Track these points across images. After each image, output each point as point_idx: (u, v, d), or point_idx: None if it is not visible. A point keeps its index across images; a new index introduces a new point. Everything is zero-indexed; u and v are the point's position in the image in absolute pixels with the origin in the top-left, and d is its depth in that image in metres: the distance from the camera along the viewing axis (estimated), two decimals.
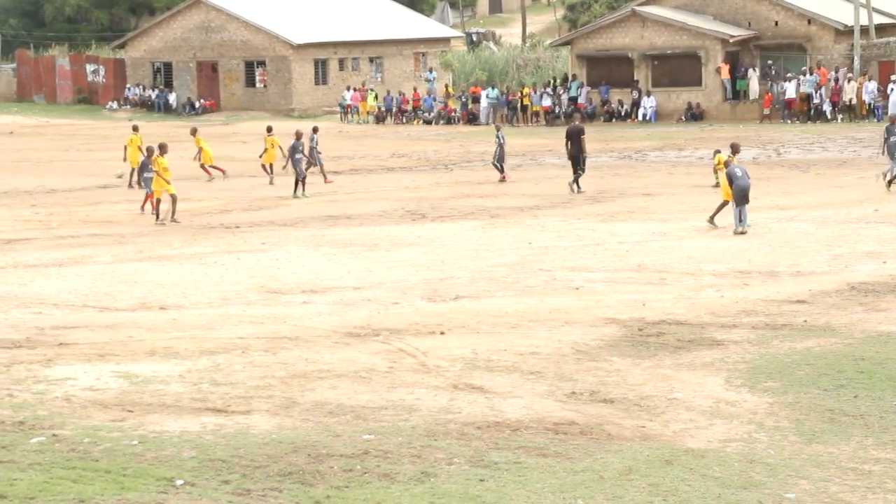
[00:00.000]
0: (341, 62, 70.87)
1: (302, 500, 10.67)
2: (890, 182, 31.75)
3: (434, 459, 11.63)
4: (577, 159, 34.31)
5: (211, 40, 70.96)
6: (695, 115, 57.44)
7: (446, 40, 77.64)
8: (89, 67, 76.31)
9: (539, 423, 12.74)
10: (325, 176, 38.39)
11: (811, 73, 55.27)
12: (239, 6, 70.68)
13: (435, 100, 65.17)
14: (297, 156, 35.10)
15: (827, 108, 55.03)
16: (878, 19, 59.26)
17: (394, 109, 65.01)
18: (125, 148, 38.70)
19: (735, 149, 28.12)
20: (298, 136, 35.90)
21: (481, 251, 24.27)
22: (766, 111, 55.66)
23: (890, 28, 60.12)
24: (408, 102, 65.25)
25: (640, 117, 58.48)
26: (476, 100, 63.27)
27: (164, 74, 73.09)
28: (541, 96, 61.03)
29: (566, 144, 34.92)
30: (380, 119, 64.66)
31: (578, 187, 34.12)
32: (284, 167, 36.17)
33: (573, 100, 60.22)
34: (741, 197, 25.59)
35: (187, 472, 11.33)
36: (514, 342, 16.33)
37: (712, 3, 58.80)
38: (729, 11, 58.43)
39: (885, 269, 21.33)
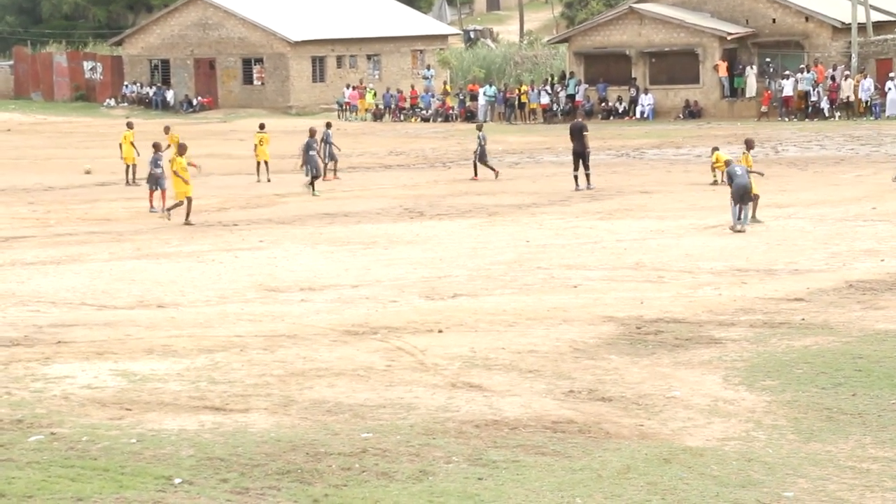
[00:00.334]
0: (339, 59, 70.87)
1: (300, 498, 10.67)
2: None
3: (432, 458, 11.63)
4: (580, 155, 34.37)
5: (208, 37, 70.94)
6: (692, 112, 57.47)
7: (444, 38, 77.65)
8: (87, 65, 76.27)
9: (537, 422, 12.74)
10: (335, 172, 38.22)
11: (809, 71, 55.29)
12: (236, 3, 70.67)
13: (433, 97, 65.15)
14: (312, 153, 34.93)
15: (824, 105, 55.06)
16: (876, 17, 59.31)
17: (392, 107, 65.00)
18: (120, 145, 38.64)
19: (749, 144, 27.88)
20: (312, 133, 35.71)
21: (479, 249, 24.27)
22: (765, 109, 55.67)
23: (887, 25, 60.16)
24: (405, 100, 65.24)
25: (637, 115, 58.51)
26: (474, 97, 63.27)
27: (162, 72, 73.08)
28: (539, 94, 61.03)
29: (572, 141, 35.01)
30: (377, 116, 64.65)
31: (588, 183, 34.20)
32: (302, 166, 35.96)
33: (571, 97, 60.23)
34: (739, 195, 25.59)
35: (185, 470, 11.33)
36: (512, 340, 16.33)
37: (710, 0, 58.81)
38: (726, 9, 58.45)
39: (882, 266, 21.34)
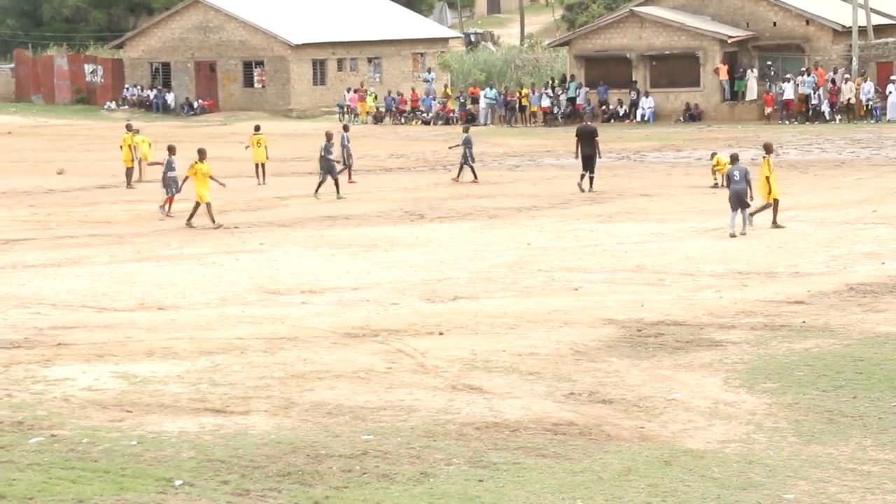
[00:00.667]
0: (340, 62, 70.87)
1: (301, 500, 10.67)
2: None
3: (433, 460, 11.64)
4: (590, 159, 34.46)
5: (209, 40, 70.95)
6: (693, 115, 57.46)
7: (444, 41, 77.65)
8: (87, 68, 76.27)
9: (538, 424, 12.74)
10: (349, 176, 38.08)
11: (809, 74, 55.30)
12: (237, 6, 70.66)
13: (434, 100, 65.16)
14: (328, 156, 34.75)
15: (825, 108, 55.07)
16: (877, 20, 59.31)
17: (392, 110, 65.02)
18: (121, 148, 38.64)
19: (768, 148, 27.59)
20: (329, 136, 35.55)
21: (480, 252, 24.28)
22: (770, 110, 55.62)
23: (888, 29, 60.15)
24: (406, 103, 65.25)
25: (638, 118, 58.49)
26: (475, 100, 63.28)
27: (163, 74, 73.07)
28: (539, 97, 61.04)
29: (577, 144, 35.01)
30: (378, 119, 64.65)
31: (591, 187, 34.25)
32: (331, 168, 35.82)
33: (571, 100, 60.24)
34: (735, 201, 25.57)
35: (186, 472, 11.33)
36: (512, 343, 16.33)
37: (710, 3, 58.82)
38: (727, 12, 58.46)
39: (883, 269, 21.34)
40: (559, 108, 60.57)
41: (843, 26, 56.38)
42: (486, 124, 61.41)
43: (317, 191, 34.50)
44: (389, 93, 66.86)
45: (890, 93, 53.76)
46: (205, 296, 20.23)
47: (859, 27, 56.20)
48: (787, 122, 54.85)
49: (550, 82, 62.68)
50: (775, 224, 26.34)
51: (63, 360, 15.70)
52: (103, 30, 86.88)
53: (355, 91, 66.47)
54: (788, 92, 55.27)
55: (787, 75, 55.69)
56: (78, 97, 75.95)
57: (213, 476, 11.23)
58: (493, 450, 11.93)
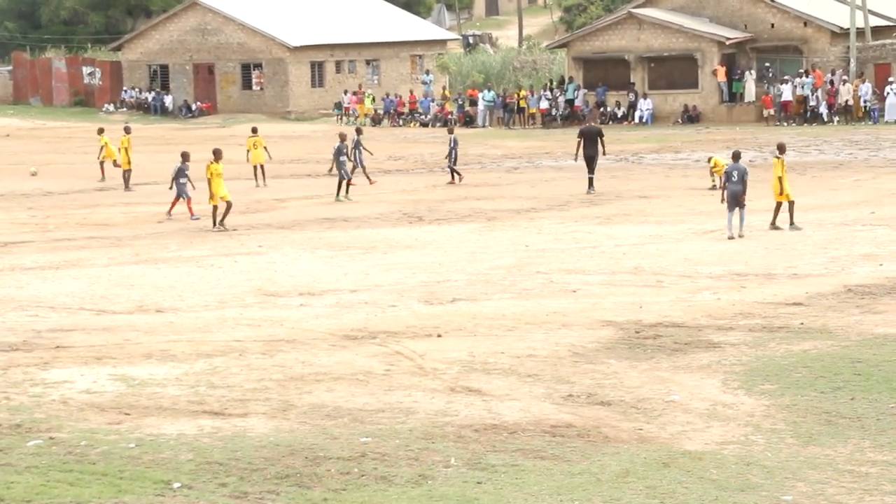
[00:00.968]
0: (338, 64, 70.87)
1: (299, 502, 10.67)
2: None
3: (431, 462, 11.64)
4: (592, 160, 34.53)
5: (207, 43, 70.95)
6: (691, 117, 57.49)
7: (443, 42, 77.67)
8: (86, 70, 76.28)
9: (536, 426, 12.75)
10: (368, 178, 37.84)
11: (807, 76, 55.33)
12: (235, 8, 70.67)
13: (432, 102, 65.17)
14: (342, 158, 34.64)
15: (823, 110, 55.10)
16: (874, 21, 59.34)
17: (391, 112, 65.03)
18: (118, 150, 38.63)
19: (781, 149, 27.47)
20: (343, 138, 35.44)
21: (478, 254, 24.28)
22: (771, 112, 55.62)
23: (886, 30, 60.19)
24: (404, 105, 65.26)
25: (636, 120, 58.52)
26: (473, 102, 63.29)
27: (161, 77, 73.08)
28: (538, 99, 61.06)
29: (579, 144, 35.01)
30: (376, 121, 64.66)
31: (591, 187, 34.31)
32: (330, 170, 35.64)
33: (570, 102, 60.26)
34: (731, 201, 25.56)
35: (184, 474, 11.33)
36: (511, 345, 16.33)
37: (708, 5, 58.86)
38: (725, 13, 58.49)
39: (881, 271, 21.35)
40: (557, 109, 60.59)
41: (842, 28, 56.41)
42: (484, 126, 61.45)
43: (347, 193, 34.08)
44: (388, 95, 66.87)
45: (888, 94, 53.78)
46: (203, 298, 20.23)
47: (857, 29, 56.24)
48: (785, 124, 54.89)
49: (549, 84, 62.71)
50: (793, 225, 26.21)
51: (61, 362, 15.69)
52: (101, 32, 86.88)
53: (354, 93, 66.47)
54: (786, 93, 55.30)
55: (786, 77, 55.72)
56: (76, 99, 75.95)
57: (212, 478, 11.23)
58: (491, 452, 11.93)
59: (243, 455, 11.86)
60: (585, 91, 60.12)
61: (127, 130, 39.13)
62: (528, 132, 58.68)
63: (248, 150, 39.48)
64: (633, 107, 58.95)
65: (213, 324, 18.04)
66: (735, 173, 25.82)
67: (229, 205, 28.69)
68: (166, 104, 71.88)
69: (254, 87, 70.03)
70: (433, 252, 24.71)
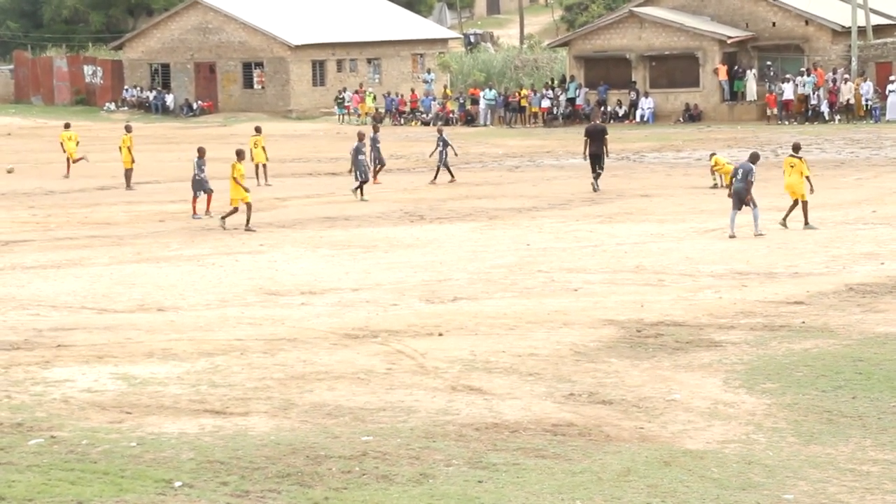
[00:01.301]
0: (339, 63, 70.87)
1: (300, 501, 10.67)
2: None
3: (432, 461, 11.64)
4: (597, 158, 34.57)
5: (208, 41, 70.96)
6: (692, 116, 57.48)
7: (444, 41, 77.66)
8: (87, 69, 76.29)
9: (537, 425, 12.75)
10: (374, 176, 37.64)
11: (808, 74, 55.31)
12: (236, 7, 70.67)
13: (433, 101, 65.17)
14: (361, 157, 34.31)
15: (824, 109, 55.08)
16: (876, 20, 59.33)
17: (392, 111, 65.04)
18: (120, 149, 38.60)
19: (797, 148, 27.38)
20: (361, 137, 35.03)
21: (479, 253, 24.28)
22: (774, 111, 55.59)
23: (887, 29, 60.18)
24: (405, 104, 65.26)
25: (637, 118, 58.51)
26: (475, 101, 63.30)
27: (162, 76, 73.09)
28: (539, 98, 61.05)
29: (586, 143, 35.05)
30: (378, 120, 64.65)
31: (596, 184, 34.34)
32: (351, 171, 35.48)
33: (571, 101, 60.26)
34: (735, 200, 25.56)
35: (186, 473, 11.33)
36: (512, 343, 16.33)
37: (710, 3, 58.85)
38: (726, 12, 58.47)
39: (882, 270, 21.35)
40: (559, 108, 60.59)
41: (843, 26, 56.40)
42: (485, 125, 61.44)
43: (362, 193, 33.80)
44: (389, 93, 66.87)
45: (889, 93, 53.76)
46: (204, 297, 20.23)
47: (858, 27, 56.22)
48: (786, 123, 54.87)
49: (550, 83, 62.70)
50: (807, 224, 26.17)
51: (63, 361, 15.70)
52: (102, 31, 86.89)
53: (355, 92, 66.48)
54: (788, 92, 55.29)
55: (787, 75, 55.70)
56: (77, 98, 75.97)
57: (213, 477, 11.23)
58: (492, 450, 11.93)
59: (244, 454, 11.87)
60: (587, 90, 60.11)
61: (128, 129, 39.08)
62: (529, 131, 58.67)
63: (250, 149, 39.48)
64: (634, 105, 58.94)
65: (215, 322, 18.04)
66: (740, 171, 25.80)
67: (249, 206, 28.40)
68: (167, 103, 71.89)
69: (255, 86, 70.04)
70: (434, 251, 24.71)
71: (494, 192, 35.33)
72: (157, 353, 16.11)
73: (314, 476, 11.25)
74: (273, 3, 72.46)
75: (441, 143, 38.04)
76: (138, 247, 26.11)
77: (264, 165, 38.82)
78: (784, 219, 26.33)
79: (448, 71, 72.86)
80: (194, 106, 70.92)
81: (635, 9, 59.42)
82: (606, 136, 35.01)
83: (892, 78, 54.10)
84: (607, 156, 35.40)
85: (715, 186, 34.40)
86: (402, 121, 64.40)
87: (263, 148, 39.12)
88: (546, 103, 60.74)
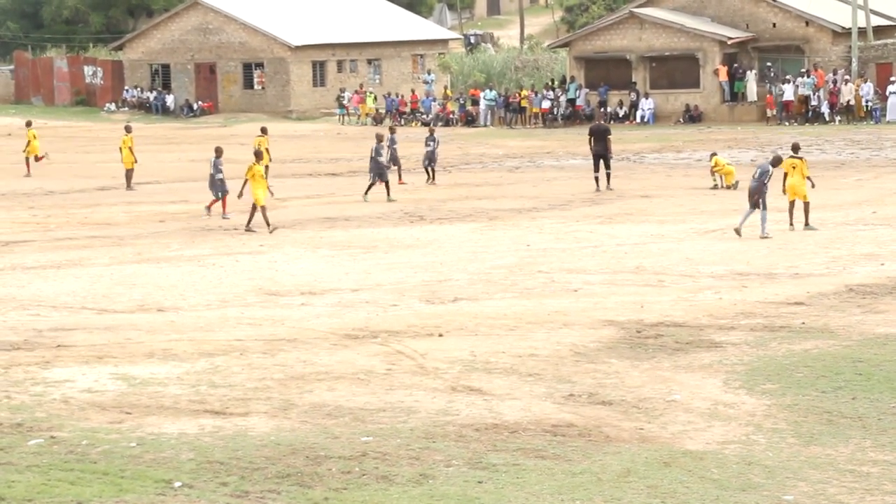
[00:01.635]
0: (339, 64, 70.87)
1: (300, 501, 10.67)
2: None
3: (432, 461, 11.64)
4: (602, 157, 34.66)
5: (209, 42, 70.96)
6: (693, 116, 57.47)
7: (444, 42, 77.66)
8: (87, 69, 76.28)
9: (537, 425, 12.75)
10: (399, 177, 37.37)
11: (809, 75, 55.31)
12: (237, 8, 70.68)
13: (434, 101, 65.17)
14: (380, 159, 34.01)
15: (825, 109, 55.07)
16: (876, 21, 59.31)
17: (393, 111, 65.05)
18: (120, 150, 38.58)
19: (797, 148, 27.39)
20: (380, 138, 34.77)
21: (479, 253, 24.28)
22: (773, 112, 55.58)
23: (888, 30, 60.16)
24: (406, 104, 65.27)
25: (638, 119, 58.50)
26: (475, 102, 63.30)
27: (162, 76, 73.09)
28: (540, 99, 61.04)
29: (589, 142, 35.16)
30: (378, 121, 64.67)
31: (608, 184, 34.39)
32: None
33: (571, 102, 60.25)
34: (749, 199, 25.54)
35: (185, 473, 11.33)
36: (512, 344, 16.33)
37: (710, 4, 58.83)
38: (727, 13, 58.46)
39: (882, 270, 21.35)
40: (559, 109, 60.58)
41: (843, 28, 56.39)
42: (486, 126, 61.43)
43: (366, 193, 33.80)
44: (389, 94, 66.88)
45: (889, 94, 53.76)
46: (205, 297, 20.23)
47: (859, 28, 56.21)
48: (786, 124, 54.86)
49: (550, 84, 62.70)
50: (808, 226, 26.17)
51: (62, 361, 15.70)
52: (103, 32, 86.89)
53: (356, 92, 66.49)
54: (788, 93, 55.28)
55: (787, 76, 55.69)
56: (77, 99, 75.95)
57: (213, 478, 11.23)
58: (492, 451, 11.93)
59: (244, 454, 11.86)
60: (587, 91, 60.11)
61: (128, 130, 39.06)
62: (529, 132, 58.67)
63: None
64: (634, 106, 58.93)
65: (215, 323, 18.04)
66: (757, 171, 25.74)
67: (262, 209, 28.20)
68: (168, 104, 71.88)
69: (255, 87, 70.03)
70: (434, 251, 24.71)
71: (494, 192, 35.33)
72: (157, 353, 16.11)
73: (314, 476, 11.25)
74: (273, 3, 72.46)
75: (433, 143, 37.84)
76: (139, 247, 26.11)
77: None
78: (792, 222, 26.29)
79: (448, 72, 72.86)
80: (195, 106, 70.92)
81: (636, 10, 59.42)
82: (610, 136, 35.08)
83: (892, 79, 54.09)
84: (611, 155, 35.47)
85: (715, 187, 34.42)
86: (403, 121, 64.37)
87: (266, 149, 39.09)
88: (546, 104, 60.73)
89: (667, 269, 21.99)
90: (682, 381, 14.46)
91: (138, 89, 73.56)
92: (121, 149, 38.35)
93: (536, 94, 61.63)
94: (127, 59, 74.25)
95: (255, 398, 13.90)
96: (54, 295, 20.53)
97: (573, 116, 59.91)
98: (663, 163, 42.82)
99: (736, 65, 57.67)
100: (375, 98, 66.28)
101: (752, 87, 57.19)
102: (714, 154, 35.93)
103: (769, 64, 57.76)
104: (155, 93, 72.65)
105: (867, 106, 54.48)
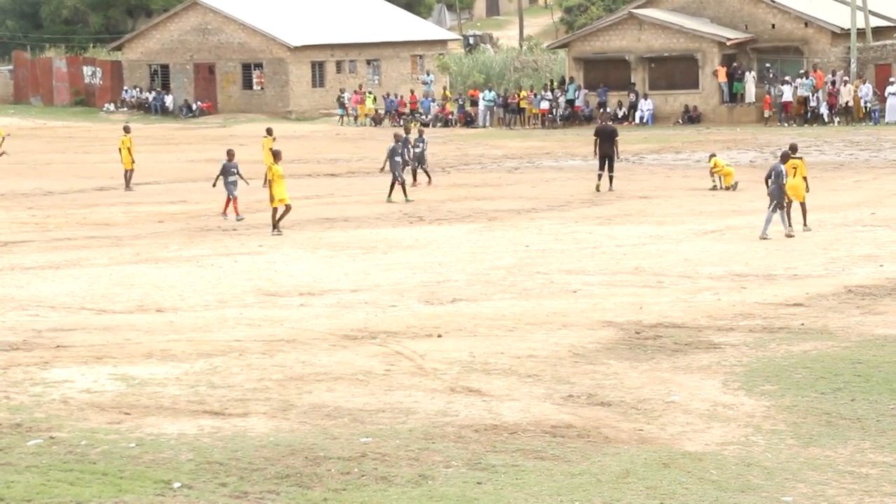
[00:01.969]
0: (338, 64, 70.87)
1: (299, 502, 10.67)
2: None
3: (431, 462, 11.64)
4: (608, 158, 34.70)
5: (208, 42, 70.96)
6: (692, 117, 57.48)
7: (443, 43, 77.66)
8: (86, 70, 76.26)
9: (536, 426, 12.75)
10: (415, 178, 36.96)
11: (808, 77, 55.32)
12: (236, 8, 70.68)
13: (433, 102, 65.17)
14: (396, 158, 33.76)
15: (824, 111, 55.09)
16: (875, 22, 59.32)
17: (392, 112, 65.05)
18: (119, 150, 38.57)
19: (795, 149, 27.37)
20: (398, 138, 34.57)
21: (478, 254, 24.28)
22: (769, 113, 55.61)
23: (887, 31, 60.17)
24: (405, 105, 65.27)
25: (637, 120, 58.51)
26: (474, 102, 63.30)
27: (161, 77, 73.08)
28: (539, 100, 61.04)
29: (595, 143, 35.17)
30: (377, 121, 64.68)
31: (611, 186, 34.41)
32: (382, 169, 35.13)
33: (570, 102, 60.26)
34: (771, 202, 25.43)
35: (184, 474, 11.33)
36: (511, 345, 16.33)
37: (709, 5, 58.84)
38: (726, 14, 58.48)
39: (881, 272, 21.35)
40: (558, 110, 60.59)
41: (842, 29, 56.39)
42: (485, 126, 61.43)
43: (389, 195, 33.61)
44: (388, 94, 66.89)
45: (888, 95, 53.77)
46: (203, 298, 20.23)
47: (858, 29, 56.22)
48: (785, 125, 54.87)
49: (549, 84, 62.71)
50: (805, 226, 26.16)
51: (61, 362, 15.70)
52: (102, 32, 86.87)
53: (355, 92, 66.50)
54: (787, 94, 55.30)
55: (786, 77, 55.70)
56: (76, 99, 75.94)
57: (212, 478, 11.23)
58: (491, 452, 11.93)
59: (243, 455, 11.87)
60: (586, 91, 60.12)
61: (126, 130, 39.03)
62: (528, 132, 58.67)
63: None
64: (633, 107, 58.93)
65: (214, 323, 18.04)
66: (773, 174, 25.68)
67: (288, 208, 27.90)
68: (167, 104, 71.88)
69: (254, 87, 70.03)
70: (433, 252, 24.72)
71: (493, 193, 35.33)
72: (155, 353, 16.11)
73: (313, 477, 11.25)
74: (272, 4, 72.45)
75: (422, 143, 37.61)
76: (137, 247, 26.10)
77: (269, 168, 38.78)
78: (790, 224, 26.25)
79: (447, 72, 72.87)
80: (193, 107, 70.91)
81: (635, 10, 59.42)
82: (617, 138, 35.15)
83: (891, 80, 54.10)
84: (618, 157, 35.56)
85: (714, 188, 34.43)
86: (402, 122, 64.36)
87: (270, 150, 39.09)
88: (545, 105, 60.73)
89: (666, 270, 22.00)
90: (681, 383, 14.46)
91: (137, 89, 73.55)
92: (120, 149, 38.35)
93: (535, 94, 61.63)
94: (126, 60, 74.24)
95: (254, 399, 13.90)
96: (53, 295, 20.53)
97: (572, 117, 59.91)
98: (662, 164, 42.82)
99: (735, 65, 57.68)
100: (375, 99, 66.29)
101: (750, 88, 57.20)
102: (713, 155, 35.95)
103: (768, 65, 57.76)
104: (154, 93, 72.64)
105: (866, 107, 54.48)
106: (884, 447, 12.04)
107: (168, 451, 12.01)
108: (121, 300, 20.11)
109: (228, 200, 30.79)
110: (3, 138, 42.58)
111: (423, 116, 63.93)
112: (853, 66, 55.74)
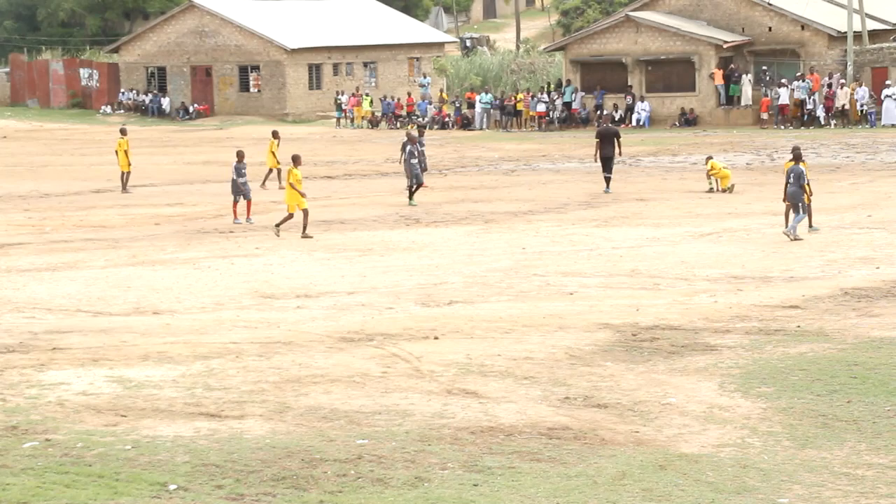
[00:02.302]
0: (335, 67, 70.90)
1: None
2: None
3: (428, 464, 11.64)
4: (608, 160, 34.78)
5: (205, 45, 70.96)
6: (688, 120, 57.52)
7: (440, 45, 77.69)
8: (83, 72, 76.25)
9: (533, 428, 12.75)
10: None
11: (804, 79, 55.37)
12: (233, 11, 70.69)
13: (429, 105, 65.19)
14: (413, 160, 33.50)
15: (820, 113, 55.14)
16: (872, 25, 59.38)
17: (389, 114, 65.08)
18: (116, 153, 38.56)
19: (798, 152, 27.33)
20: (413, 140, 34.03)
21: (475, 256, 24.29)
22: (765, 115, 55.67)
23: (883, 34, 60.24)
24: (402, 107, 65.29)
25: (633, 122, 58.56)
26: (471, 105, 63.33)
27: (158, 79, 73.09)
28: (536, 102, 61.07)
29: (597, 145, 35.22)
30: (374, 124, 64.70)
31: (607, 187, 34.65)
32: (401, 161, 34.53)
33: (567, 105, 60.29)
34: (791, 204, 25.41)
35: (181, 476, 11.33)
36: (507, 347, 16.33)
37: (706, 8, 58.90)
38: (723, 17, 58.53)
39: (878, 274, 21.37)
40: (555, 112, 60.62)
41: (839, 31, 56.45)
42: (481, 129, 61.45)
43: (411, 197, 33.36)
44: (385, 97, 66.91)
45: (885, 98, 53.82)
46: (200, 300, 20.23)
47: (854, 32, 56.27)
48: (782, 127, 54.92)
49: (546, 87, 62.72)
50: (810, 227, 26.20)
51: (58, 364, 15.69)
52: (98, 34, 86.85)
53: (352, 94, 66.51)
54: (784, 97, 55.34)
55: (783, 80, 55.75)
56: (73, 101, 75.92)
57: (208, 480, 11.22)
58: (487, 454, 11.93)
59: (240, 457, 11.86)
60: (583, 94, 60.16)
61: (123, 132, 39.04)
62: (525, 135, 58.69)
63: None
64: (630, 109, 58.98)
65: (210, 326, 18.04)
66: (791, 176, 25.64)
67: (306, 213, 27.73)
68: (164, 106, 71.87)
69: (251, 90, 70.05)
70: (430, 254, 24.72)
71: (490, 195, 35.33)
72: (152, 356, 16.11)
73: (309, 479, 11.25)
74: (269, 6, 72.47)
75: (420, 146, 37.51)
76: (134, 250, 26.10)
77: (270, 170, 38.86)
78: (798, 228, 26.27)
79: (444, 75, 72.90)
80: (190, 109, 70.91)
81: (632, 13, 59.47)
82: (618, 139, 35.23)
83: (887, 83, 54.15)
84: (620, 156, 35.67)
85: (711, 191, 34.45)
86: (399, 124, 64.40)
87: (273, 153, 39.10)
88: (542, 107, 60.77)
89: (662, 273, 22.01)
90: (678, 385, 14.47)
91: (134, 92, 73.54)
92: (116, 151, 38.34)
93: (532, 97, 61.65)
94: (123, 62, 74.24)
95: (251, 401, 13.90)
96: (49, 297, 20.52)
97: (569, 120, 59.93)
98: (659, 166, 42.84)
99: (732, 68, 57.72)
100: (371, 101, 66.31)
101: (747, 90, 57.24)
102: (710, 157, 35.99)
103: (765, 68, 57.81)
104: (151, 95, 72.63)
105: (862, 110, 54.53)
106: (880, 449, 12.05)
107: (164, 453, 12.00)
108: (117, 302, 20.10)
109: (236, 203, 30.66)
110: None
111: (420, 119, 63.96)
112: (850, 69, 55.79)
